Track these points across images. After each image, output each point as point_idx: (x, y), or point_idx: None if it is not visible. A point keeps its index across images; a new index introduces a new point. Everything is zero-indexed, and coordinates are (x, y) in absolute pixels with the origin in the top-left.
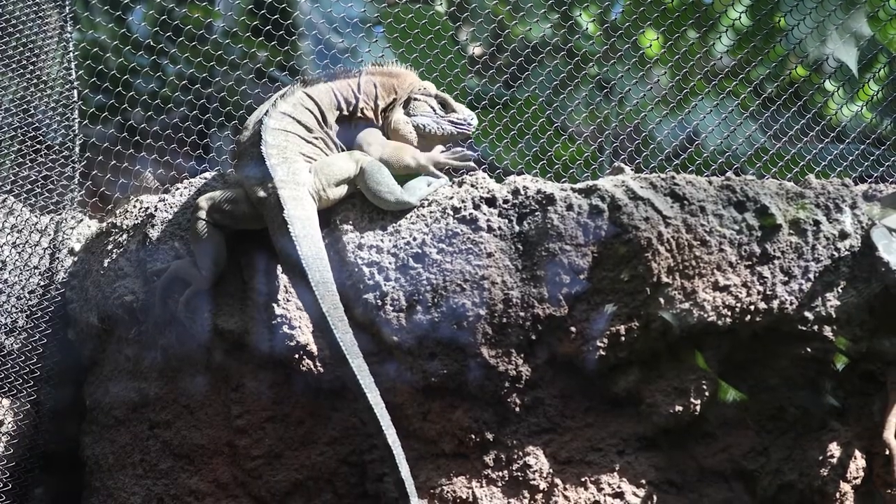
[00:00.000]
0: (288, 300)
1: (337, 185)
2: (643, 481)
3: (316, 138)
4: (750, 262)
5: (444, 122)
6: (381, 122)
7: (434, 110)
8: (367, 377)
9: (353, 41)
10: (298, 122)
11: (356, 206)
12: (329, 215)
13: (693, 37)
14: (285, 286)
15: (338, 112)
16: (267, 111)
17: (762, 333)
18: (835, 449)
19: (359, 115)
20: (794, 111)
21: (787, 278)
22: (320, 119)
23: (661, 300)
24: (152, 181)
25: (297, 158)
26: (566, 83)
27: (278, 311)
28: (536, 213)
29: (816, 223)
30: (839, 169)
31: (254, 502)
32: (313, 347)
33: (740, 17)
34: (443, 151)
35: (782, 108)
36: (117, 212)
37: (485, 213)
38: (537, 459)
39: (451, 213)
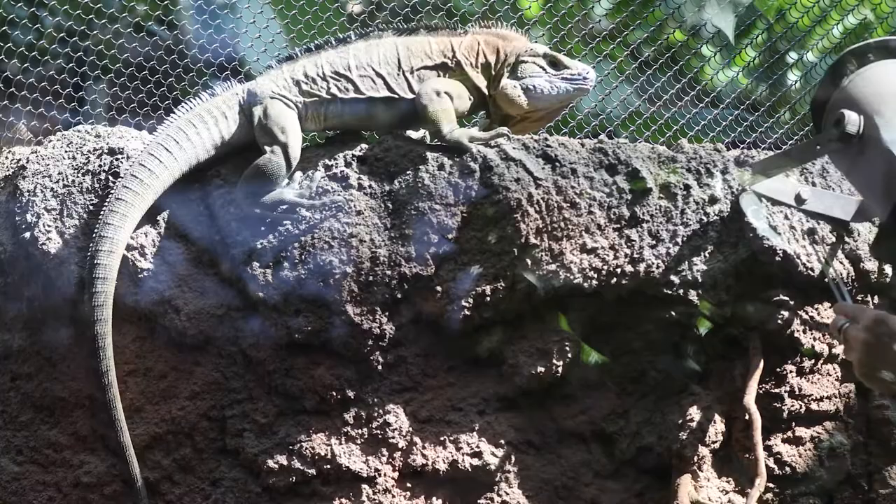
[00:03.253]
0: (154, 254)
1: None
2: (502, 441)
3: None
4: (619, 225)
5: (558, 80)
6: (486, 80)
7: (544, 70)
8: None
9: None
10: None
11: (228, 161)
12: (203, 170)
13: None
14: (153, 240)
15: (427, 61)
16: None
17: (627, 297)
18: (695, 413)
19: (452, 66)
20: (669, 75)
21: (654, 242)
22: (399, 63)
23: (528, 262)
24: (25, 133)
25: None
26: None
27: (143, 264)
28: (407, 172)
29: (687, 187)
30: (712, 134)
31: (112, 456)
32: (178, 301)
33: None
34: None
35: (658, 72)
36: None
37: (356, 171)
38: (397, 418)
39: (323, 169)
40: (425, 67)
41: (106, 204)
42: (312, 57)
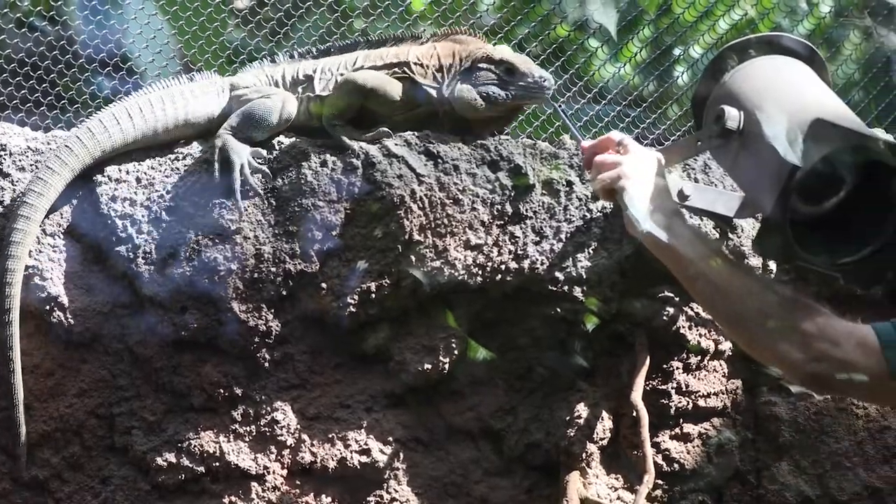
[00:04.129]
0: (40, 251)
1: None
2: (390, 438)
3: None
4: (502, 222)
5: (513, 88)
6: (438, 85)
7: (499, 76)
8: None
9: None
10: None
11: (113, 158)
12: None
13: None
14: (38, 237)
15: (378, 62)
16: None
17: (512, 293)
18: (582, 409)
19: (402, 68)
20: (554, 70)
21: (538, 238)
22: (353, 66)
23: (413, 258)
24: None
25: None
26: (329, 35)
27: (29, 262)
28: (291, 169)
29: (569, 184)
30: (594, 130)
31: (1, 453)
32: (64, 299)
33: None
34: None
35: (544, 65)
36: None
37: None
38: (285, 415)
39: (206, 166)
40: (374, 67)
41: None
42: (294, 63)
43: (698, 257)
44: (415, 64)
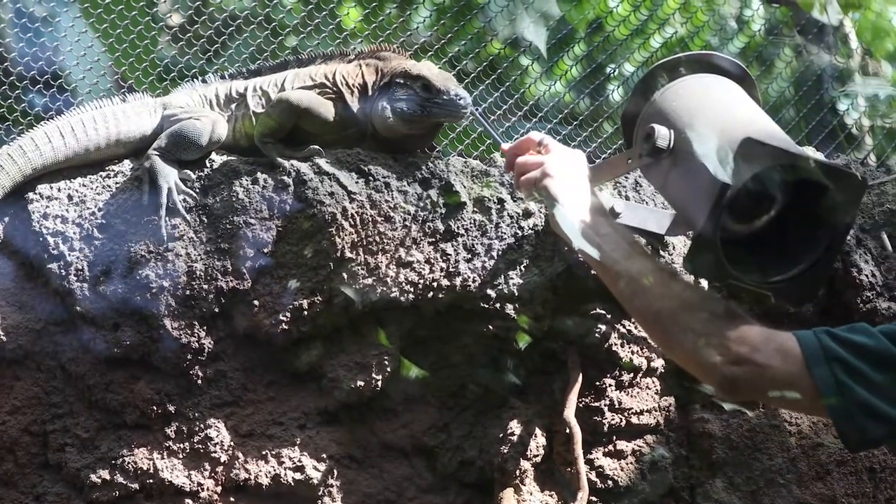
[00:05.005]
0: None
1: None
2: (324, 455)
3: None
4: (434, 239)
5: (428, 104)
6: (364, 101)
7: (416, 92)
8: None
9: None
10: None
11: (45, 175)
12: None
13: (391, 8)
14: None
15: (308, 81)
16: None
17: (445, 310)
18: (515, 427)
19: (331, 87)
20: (486, 86)
21: (470, 255)
22: (282, 84)
23: (345, 275)
24: None
25: None
26: (260, 53)
27: None
28: (222, 186)
29: (501, 201)
30: None
31: None
32: None
33: None
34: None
35: (476, 82)
36: None
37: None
38: (219, 432)
39: (137, 183)
40: (304, 87)
41: None
42: (225, 83)
43: (622, 256)
44: (342, 83)
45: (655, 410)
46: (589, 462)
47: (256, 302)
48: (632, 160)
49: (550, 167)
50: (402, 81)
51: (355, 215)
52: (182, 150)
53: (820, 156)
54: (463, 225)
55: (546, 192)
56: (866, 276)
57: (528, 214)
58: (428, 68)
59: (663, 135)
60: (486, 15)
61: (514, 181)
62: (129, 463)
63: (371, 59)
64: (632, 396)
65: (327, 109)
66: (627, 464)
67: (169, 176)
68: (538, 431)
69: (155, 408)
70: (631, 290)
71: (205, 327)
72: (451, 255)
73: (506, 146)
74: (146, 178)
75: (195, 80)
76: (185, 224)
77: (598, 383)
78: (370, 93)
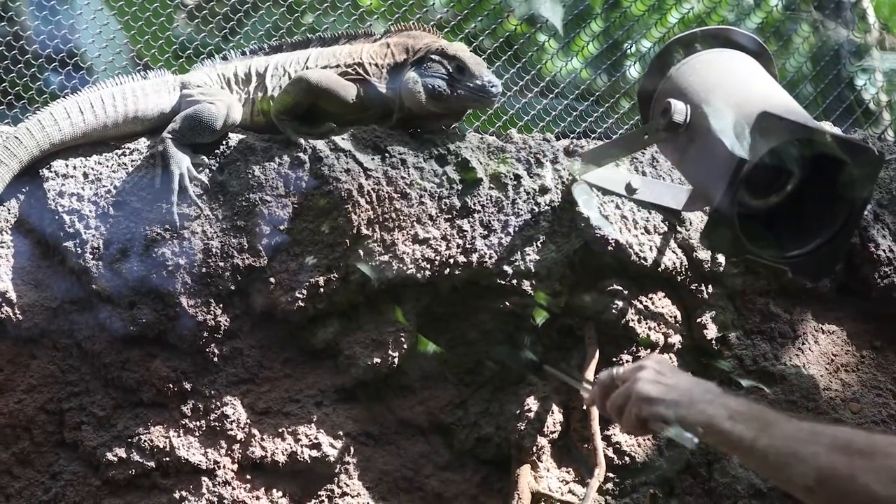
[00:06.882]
0: None
1: None
2: (340, 433)
3: None
4: (450, 216)
5: (459, 86)
6: (393, 80)
7: (449, 72)
8: None
9: None
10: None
11: (59, 153)
12: (36, 163)
13: None
14: None
15: (332, 61)
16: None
17: (461, 287)
18: (532, 403)
19: (356, 68)
20: (502, 63)
21: (486, 232)
22: (305, 64)
23: (361, 252)
24: None
25: None
26: (276, 30)
27: None
28: (238, 164)
29: (517, 177)
30: (542, 124)
31: None
32: (13, 294)
33: None
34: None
35: (493, 58)
36: None
37: None
38: (235, 409)
39: (153, 161)
40: (328, 67)
41: None
42: (245, 60)
43: (759, 428)
44: (369, 64)
45: None
46: (606, 438)
47: (273, 279)
48: (648, 136)
49: (642, 388)
50: (436, 59)
51: (371, 192)
52: (196, 134)
53: (837, 130)
54: (479, 201)
55: (656, 414)
56: (884, 251)
57: (544, 190)
58: (463, 50)
59: (680, 110)
60: None
61: (619, 424)
62: (145, 441)
63: (399, 37)
64: None
65: (346, 91)
66: (644, 440)
67: (181, 162)
68: (555, 408)
69: (171, 386)
70: (783, 461)
71: (221, 305)
72: (467, 231)
73: (586, 395)
74: (159, 163)
75: (215, 58)
76: (206, 198)
77: (614, 359)
78: (400, 72)
